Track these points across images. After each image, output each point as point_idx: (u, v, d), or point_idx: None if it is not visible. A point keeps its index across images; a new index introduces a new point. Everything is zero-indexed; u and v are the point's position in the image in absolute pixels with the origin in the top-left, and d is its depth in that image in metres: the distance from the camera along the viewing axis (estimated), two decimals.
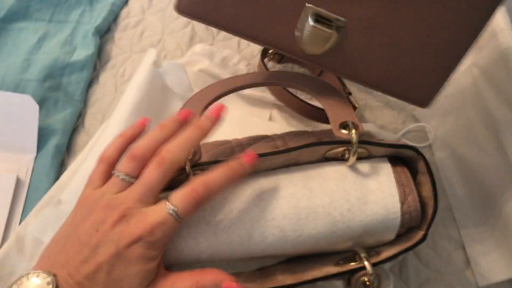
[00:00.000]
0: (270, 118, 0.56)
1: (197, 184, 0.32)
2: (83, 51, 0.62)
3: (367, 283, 0.35)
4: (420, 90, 0.38)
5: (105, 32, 0.66)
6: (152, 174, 0.32)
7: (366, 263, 0.35)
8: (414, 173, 0.38)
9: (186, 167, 0.34)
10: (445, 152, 0.54)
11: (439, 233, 0.50)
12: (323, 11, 0.35)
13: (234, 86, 0.41)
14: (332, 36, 0.35)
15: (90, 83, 0.61)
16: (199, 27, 0.65)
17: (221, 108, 0.35)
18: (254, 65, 0.61)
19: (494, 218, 0.47)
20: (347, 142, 0.35)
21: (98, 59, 0.63)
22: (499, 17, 0.46)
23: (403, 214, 0.35)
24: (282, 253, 0.36)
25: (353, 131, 0.35)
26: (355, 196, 0.35)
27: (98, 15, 0.66)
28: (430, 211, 0.36)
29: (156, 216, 0.31)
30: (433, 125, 0.56)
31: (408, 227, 0.37)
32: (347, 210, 0.34)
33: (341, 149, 0.36)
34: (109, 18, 0.66)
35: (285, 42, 0.37)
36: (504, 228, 0.46)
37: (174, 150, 0.32)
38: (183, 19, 0.66)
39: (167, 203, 0.31)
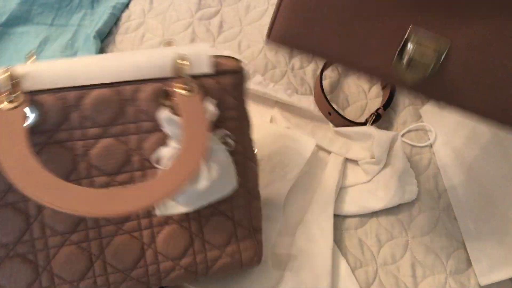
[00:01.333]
0: (271, 120, 0.57)
1: None
2: (85, 54, 0.62)
3: (186, 89, 0.35)
4: None
5: (106, 35, 0.66)
6: None
7: (182, 62, 0.35)
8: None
9: None
10: (446, 151, 0.54)
11: (440, 233, 0.50)
12: (426, 32, 0.34)
13: None
14: (434, 61, 0.34)
15: None
16: (200, 29, 0.66)
17: None
18: (254, 65, 0.61)
19: (495, 217, 0.47)
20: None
21: None
22: None
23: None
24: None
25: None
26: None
27: (99, 19, 0.66)
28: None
29: None
30: (434, 125, 0.56)
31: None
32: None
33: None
34: (110, 21, 0.66)
35: (383, 69, 0.36)
36: (505, 227, 0.46)
37: None
38: (184, 22, 0.66)
39: None
